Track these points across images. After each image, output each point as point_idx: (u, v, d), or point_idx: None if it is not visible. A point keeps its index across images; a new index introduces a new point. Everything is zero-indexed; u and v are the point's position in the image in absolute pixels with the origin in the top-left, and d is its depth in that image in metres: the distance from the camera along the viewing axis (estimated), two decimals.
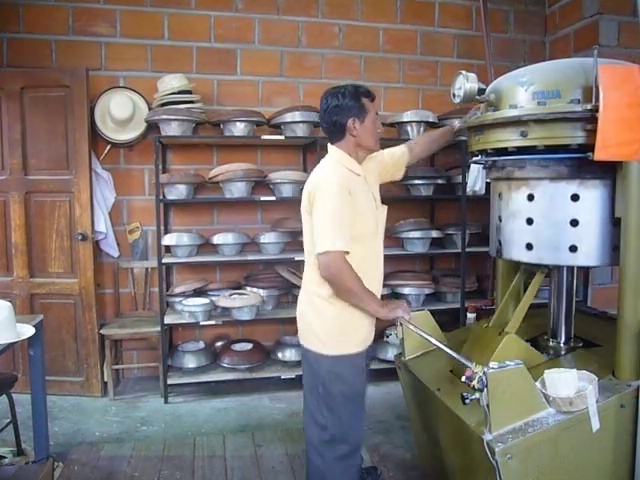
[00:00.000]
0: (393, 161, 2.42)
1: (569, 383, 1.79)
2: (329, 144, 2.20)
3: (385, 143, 4.61)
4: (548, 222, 2.01)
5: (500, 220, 2.21)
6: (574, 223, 1.97)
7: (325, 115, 2.14)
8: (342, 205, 1.99)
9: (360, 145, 2.15)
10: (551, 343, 2.30)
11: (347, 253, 1.99)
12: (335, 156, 2.15)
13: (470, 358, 2.05)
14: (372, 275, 2.16)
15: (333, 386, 2.10)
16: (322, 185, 2.04)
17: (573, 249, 1.98)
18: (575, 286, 2.33)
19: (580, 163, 1.93)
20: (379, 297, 2.22)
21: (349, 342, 2.12)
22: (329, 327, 2.11)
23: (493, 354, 2.00)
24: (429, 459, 2.52)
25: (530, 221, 2.06)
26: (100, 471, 2.79)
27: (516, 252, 2.13)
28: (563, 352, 2.24)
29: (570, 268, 2.28)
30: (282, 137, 3.90)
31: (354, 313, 2.11)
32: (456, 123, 2.49)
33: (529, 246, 2.06)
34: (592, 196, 1.96)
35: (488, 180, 3.51)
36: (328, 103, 2.12)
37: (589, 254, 1.98)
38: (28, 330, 2.42)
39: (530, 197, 2.05)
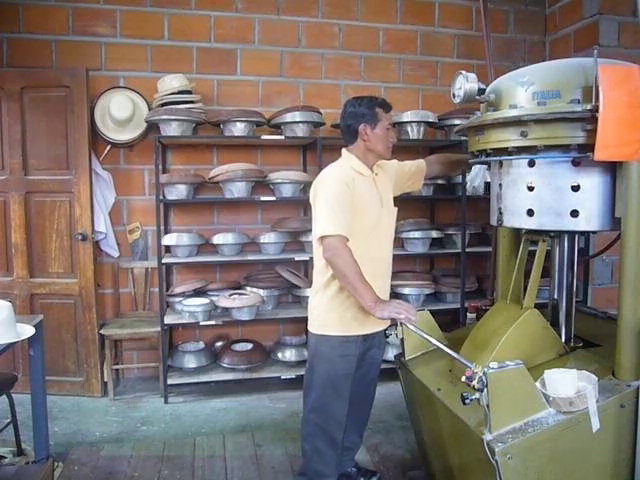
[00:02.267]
0: (411, 172, 2.61)
1: (569, 383, 1.79)
2: (343, 149, 2.39)
3: None
4: (549, 188, 1.99)
5: (500, 188, 2.20)
6: (575, 188, 1.95)
7: (343, 120, 2.36)
8: (340, 194, 2.17)
9: (370, 150, 2.32)
10: None
11: (346, 239, 2.13)
12: (344, 158, 2.36)
13: (487, 334, 2.13)
14: (364, 272, 2.16)
15: (316, 363, 2.33)
16: (323, 179, 2.28)
17: (574, 214, 1.97)
18: (575, 262, 2.32)
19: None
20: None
21: (332, 325, 2.29)
22: (319, 308, 2.33)
23: (513, 326, 2.05)
24: (430, 459, 2.52)
25: (531, 188, 2.04)
26: (100, 471, 2.79)
27: (517, 219, 2.12)
28: (563, 352, 2.24)
29: (571, 238, 2.28)
30: (282, 137, 3.91)
31: (342, 301, 2.26)
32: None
33: (530, 212, 2.05)
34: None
35: (488, 180, 3.52)
36: (346, 109, 2.34)
37: (590, 219, 1.97)
38: (28, 330, 2.42)
39: (531, 163, 2.03)
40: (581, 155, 1.90)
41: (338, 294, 2.26)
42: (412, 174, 2.62)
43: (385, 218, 2.39)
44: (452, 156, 2.85)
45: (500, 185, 2.20)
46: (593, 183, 1.95)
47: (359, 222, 2.21)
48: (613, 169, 1.93)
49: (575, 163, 1.96)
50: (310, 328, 2.38)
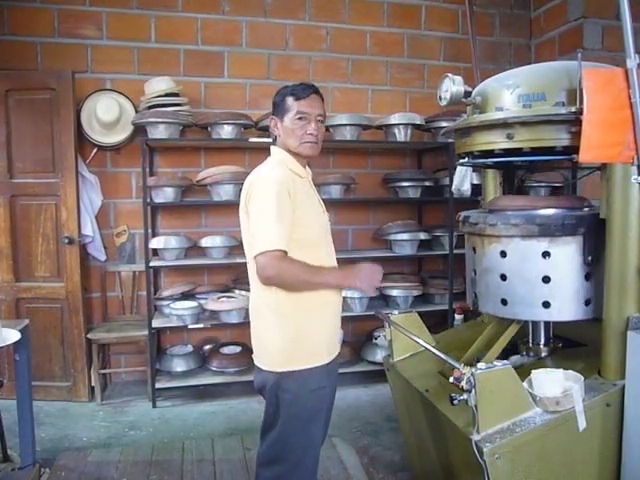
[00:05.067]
0: None
1: (556, 383, 1.81)
2: (271, 146, 2.09)
3: (373, 146, 4.62)
4: (521, 279, 2.00)
5: (475, 273, 2.21)
6: (546, 280, 1.97)
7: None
8: (279, 203, 1.77)
9: (285, 147, 1.98)
10: (531, 345, 2.31)
11: (285, 253, 1.74)
12: (277, 156, 2.00)
13: None
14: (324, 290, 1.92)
15: (287, 409, 1.84)
16: (259, 182, 1.85)
17: (546, 305, 1.99)
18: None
19: (550, 222, 1.94)
20: (339, 307, 1.99)
21: (305, 355, 1.85)
22: (279, 339, 1.84)
23: None
24: (418, 460, 2.53)
25: (504, 277, 2.05)
26: (88, 477, 2.76)
27: (491, 307, 2.13)
28: (544, 354, 2.25)
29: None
30: (269, 140, 3.87)
31: (310, 318, 1.86)
32: None
33: (504, 302, 2.05)
34: (563, 253, 1.96)
35: (476, 182, 3.54)
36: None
37: (562, 309, 2.00)
38: (13, 335, 2.40)
39: (503, 254, 2.03)
40: (566, 157, 1.92)
41: (299, 310, 1.85)
42: None
43: (328, 225, 2.02)
44: None
45: (474, 271, 2.21)
46: (563, 274, 1.97)
47: (305, 234, 1.84)
48: (583, 256, 1.95)
49: (544, 254, 1.97)
50: (268, 366, 1.88)
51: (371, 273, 1.91)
